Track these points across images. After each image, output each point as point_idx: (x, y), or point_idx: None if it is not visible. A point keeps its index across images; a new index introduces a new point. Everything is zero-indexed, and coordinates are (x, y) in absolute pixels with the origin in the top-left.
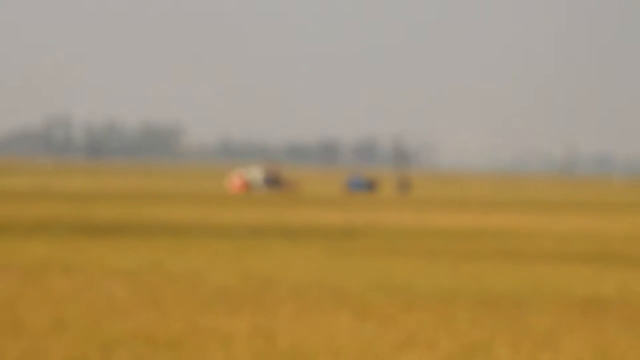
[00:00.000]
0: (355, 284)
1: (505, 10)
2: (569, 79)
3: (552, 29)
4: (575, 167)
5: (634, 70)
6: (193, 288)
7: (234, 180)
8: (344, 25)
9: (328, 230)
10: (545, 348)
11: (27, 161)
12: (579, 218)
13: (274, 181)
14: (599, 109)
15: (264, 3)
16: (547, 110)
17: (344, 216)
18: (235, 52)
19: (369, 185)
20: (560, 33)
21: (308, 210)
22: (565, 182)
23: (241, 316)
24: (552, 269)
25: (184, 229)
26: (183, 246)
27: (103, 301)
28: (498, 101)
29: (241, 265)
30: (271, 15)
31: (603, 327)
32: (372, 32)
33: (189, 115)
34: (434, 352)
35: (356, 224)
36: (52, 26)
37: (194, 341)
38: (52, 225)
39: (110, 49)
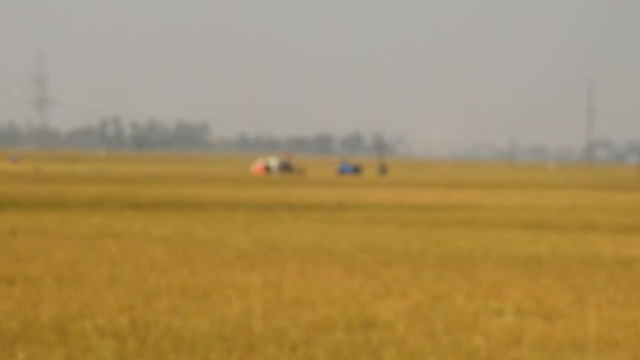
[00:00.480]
0: (345, 247)
1: (469, 20)
2: (512, 83)
3: (503, 38)
4: (516, 156)
5: (564, 74)
6: (217, 251)
7: (257, 165)
8: (338, 35)
9: (323, 205)
10: (494, 296)
11: (86, 152)
12: (519, 195)
13: (286, 167)
14: (534, 108)
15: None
16: (495, 109)
17: (336, 194)
18: (249, 61)
19: (356, 170)
20: (508, 43)
21: (308, 189)
22: (508, 167)
23: (254, 272)
24: (498, 234)
25: (210, 204)
26: (209, 218)
27: (146, 261)
28: (457, 103)
29: (254, 232)
30: (269, 25)
31: (539, 279)
32: (361, 42)
33: (214, 115)
34: (407, 300)
35: (345, 199)
36: (103, 40)
37: (218, 292)
38: (105, 202)
39: (149, 59)
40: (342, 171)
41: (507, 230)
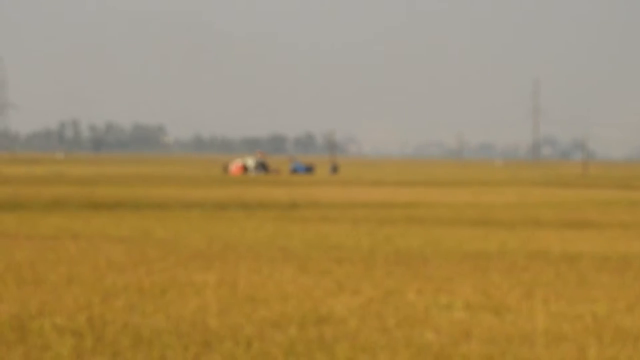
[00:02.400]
0: (298, 244)
1: (414, 19)
2: (460, 82)
3: (450, 36)
4: (464, 154)
5: (510, 73)
6: (173, 250)
7: (234, 165)
8: (289, 36)
9: (276, 204)
10: (444, 292)
11: (45, 155)
12: (467, 192)
13: (263, 166)
14: (481, 106)
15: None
16: (443, 108)
17: (289, 192)
18: (202, 63)
19: (308, 169)
20: (455, 42)
21: (261, 187)
22: (456, 165)
23: (210, 271)
24: (448, 231)
25: (166, 204)
26: (166, 218)
27: (104, 261)
28: (407, 102)
29: (209, 231)
30: (222, 27)
31: (488, 274)
32: (311, 43)
33: (169, 117)
34: (359, 296)
35: (298, 198)
36: (60, 44)
37: (175, 290)
38: (64, 203)
39: (104, 63)
40: (295, 170)
41: (456, 227)
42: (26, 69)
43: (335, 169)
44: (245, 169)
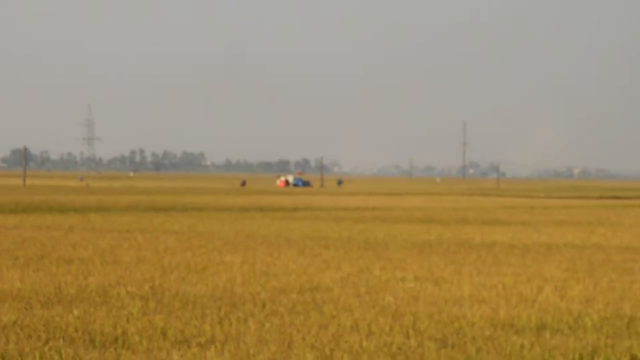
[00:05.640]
0: (297, 236)
1: (382, 67)
2: (410, 121)
3: (407, 89)
4: (414, 173)
5: (444, 115)
6: (210, 239)
7: (280, 181)
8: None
9: (283, 207)
10: (399, 269)
11: (120, 174)
12: (416, 200)
13: (306, 183)
14: (426, 139)
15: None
16: (399, 140)
17: (291, 200)
18: (232, 107)
19: (306, 183)
20: (409, 92)
21: (271, 197)
22: (408, 181)
23: (236, 254)
24: (402, 226)
25: (205, 208)
26: (205, 217)
27: (162, 247)
28: (373, 137)
29: (235, 226)
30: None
31: (429, 256)
32: (308, 88)
33: (208, 147)
34: (340, 272)
35: (298, 204)
36: (133, 91)
37: (211, 268)
38: (134, 207)
39: (163, 108)
40: (296, 184)
41: (407, 223)
42: (108, 112)
43: (340, 182)
44: (287, 183)
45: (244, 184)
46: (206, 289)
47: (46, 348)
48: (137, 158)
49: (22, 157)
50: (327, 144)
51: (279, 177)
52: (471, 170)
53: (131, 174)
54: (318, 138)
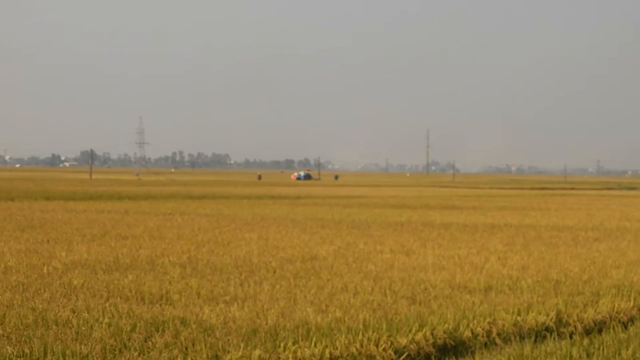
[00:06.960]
0: (300, 218)
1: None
2: (387, 130)
3: (389, 93)
4: (389, 169)
5: (412, 125)
6: (233, 221)
7: (293, 175)
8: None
9: (289, 196)
10: (379, 243)
11: (164, 170)
12: (390, 190)
13: (308, 176)
14: (399, 143)
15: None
16: (377, 143)
17: (296, 190)
18: (252, 115)
19: (309, 177)
20: (387, 99)
21: (281, 188)
22: (385, 176)
23: (253, 232)
24: (380, 211)
25: (229, 196)
26: (229, 204)
27: (197, 226)
28: (358, 140)
29: (252, 211)
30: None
31: (402, 234)
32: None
33: (232, 148)
34: (333, 245)
35: (302, 193)
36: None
37: (235, 243)
38: (175, 195)
39: (199, 118)
40: (299, 178)
41: (384, 208)
42: (155, 122)
43: (337, 178)
44: (298, 177)
45: (259, 178)
46: (230, 258)
47: (107, 304)
48: (177, 158)
49: (89, 157)
50: (322, 146)
51: (293, 173)
52: (433, 167)
53: (172, 170)
54: (315, 141)
